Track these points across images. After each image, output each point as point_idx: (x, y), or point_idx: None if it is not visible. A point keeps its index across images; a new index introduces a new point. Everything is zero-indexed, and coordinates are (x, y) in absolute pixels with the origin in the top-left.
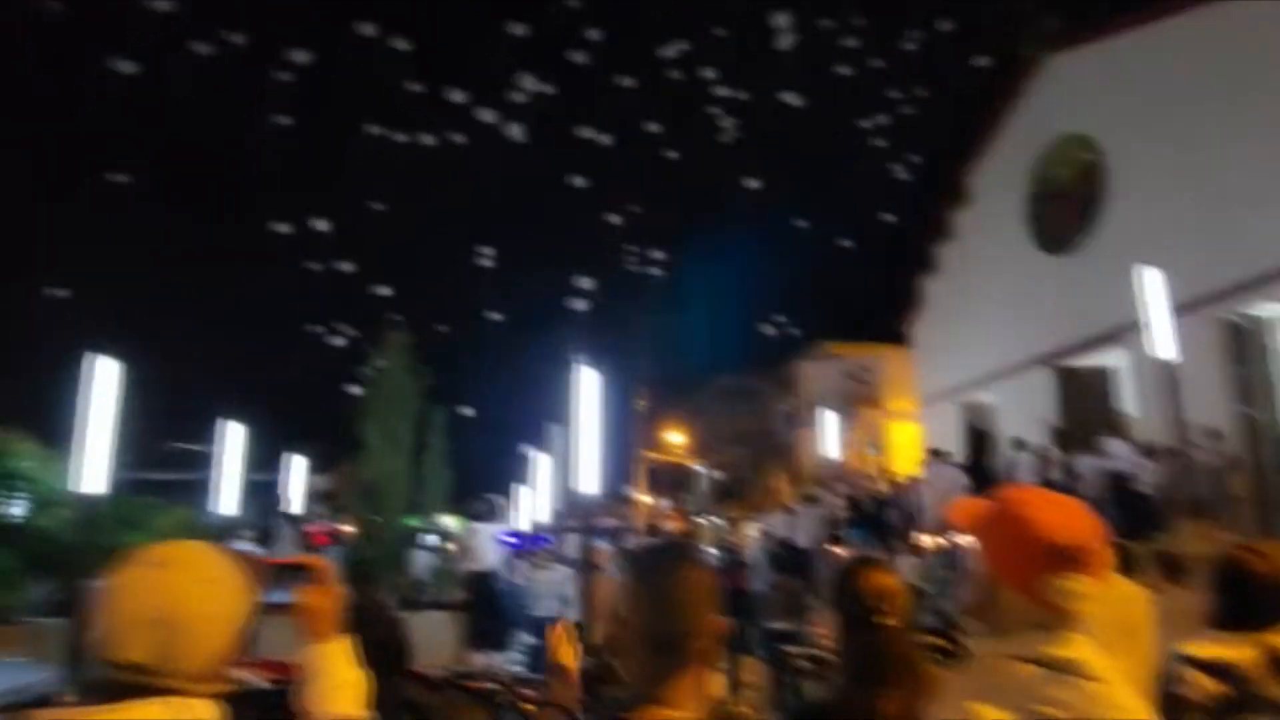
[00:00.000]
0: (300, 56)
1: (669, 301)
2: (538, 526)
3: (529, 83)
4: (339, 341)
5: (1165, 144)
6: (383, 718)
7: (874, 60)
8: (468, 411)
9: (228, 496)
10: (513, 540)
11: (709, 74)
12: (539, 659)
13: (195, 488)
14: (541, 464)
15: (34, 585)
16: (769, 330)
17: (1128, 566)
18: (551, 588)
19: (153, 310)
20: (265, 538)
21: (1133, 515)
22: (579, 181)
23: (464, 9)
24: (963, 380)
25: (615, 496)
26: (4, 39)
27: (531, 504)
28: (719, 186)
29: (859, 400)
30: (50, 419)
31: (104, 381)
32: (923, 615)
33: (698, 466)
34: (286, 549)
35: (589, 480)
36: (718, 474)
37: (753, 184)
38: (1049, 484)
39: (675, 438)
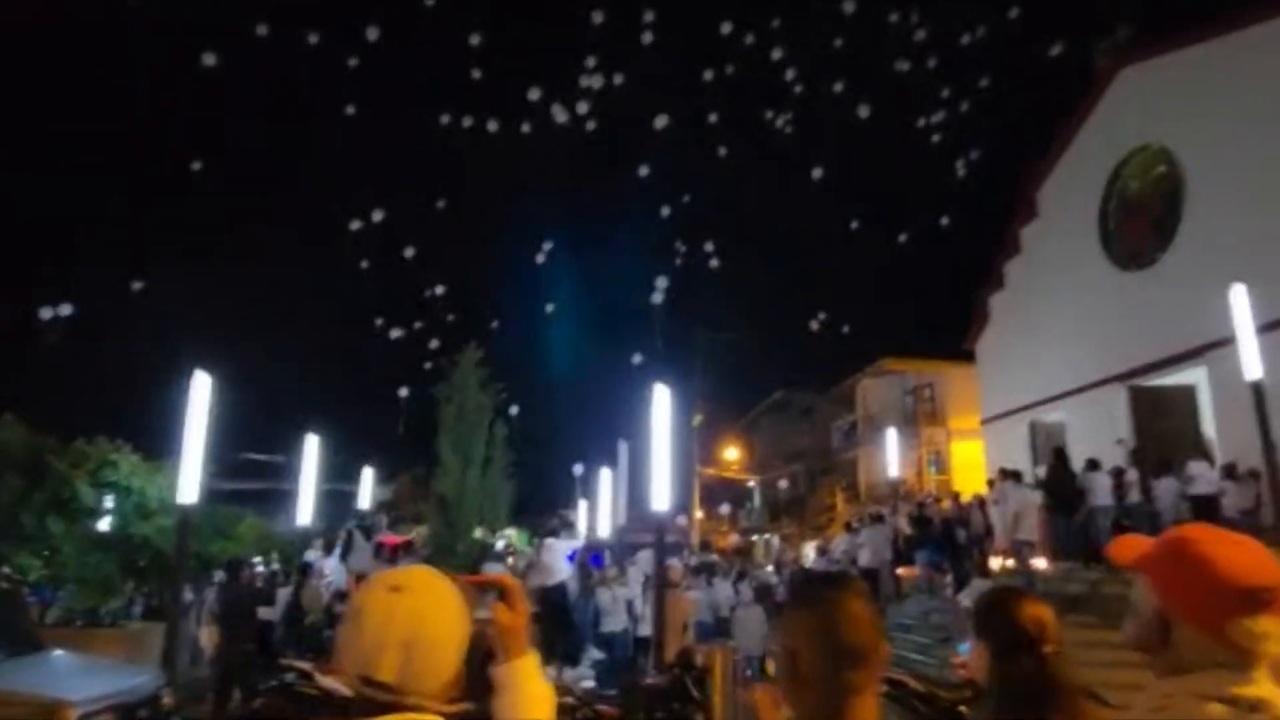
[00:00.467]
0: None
1: (726, 316)
2: (605, 543)
3: (595, 80)
4: (409, 355)
5: (1245, 157)
6: None
7: (942, 72)
8: (534, 425)
9: (304, 506)
10: (589, 556)
11: (789, 99)
12: (610, 674)
13: (267, 497)
14: (605, 480)
15: (133, 591)
16: (828, 345)
17: None
18: (620, 604)
19: (243, 327)
20: (330, 546)
21: None
22: (637, 206)
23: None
24: (1030, 398)
25: (675, 513)
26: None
27: (592, 519)
28: (780, 198)
29: (921, 417)
30: (146, 431)
31: (200, 396)
32: None
33: (752, 483)
34: (362, 559)
35: (661, 497)
36: (774, 491)
37: (812, 193)
38: (1125, 507)
39: (730, 453)
